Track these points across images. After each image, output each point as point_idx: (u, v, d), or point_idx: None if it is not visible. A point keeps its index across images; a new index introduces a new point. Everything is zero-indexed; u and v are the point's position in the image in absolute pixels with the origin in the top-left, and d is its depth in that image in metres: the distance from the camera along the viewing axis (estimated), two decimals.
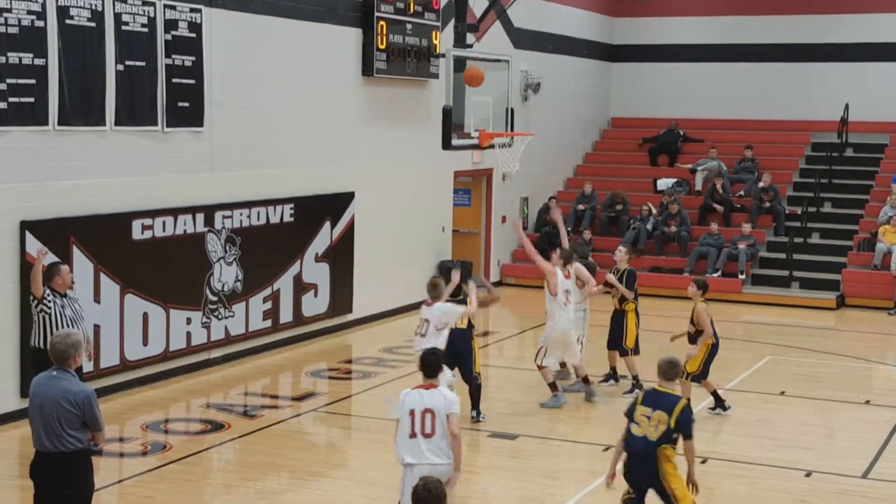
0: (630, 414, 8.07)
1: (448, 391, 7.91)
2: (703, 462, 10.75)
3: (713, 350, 12.20)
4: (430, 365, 8.00)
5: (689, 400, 8.45)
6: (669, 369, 8.19)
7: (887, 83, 23.83)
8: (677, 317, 14.15)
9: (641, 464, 8.01)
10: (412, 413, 7.70)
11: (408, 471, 7.70)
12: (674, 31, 25.57)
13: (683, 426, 7.97)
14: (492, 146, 15.71)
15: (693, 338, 12.21)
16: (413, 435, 7.66)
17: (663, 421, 7.93)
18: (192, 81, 13.55)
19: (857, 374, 15.22)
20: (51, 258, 10.97)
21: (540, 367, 12.58)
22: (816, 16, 24.42)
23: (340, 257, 16.47)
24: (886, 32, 23.94)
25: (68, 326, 10.02)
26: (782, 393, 13.62)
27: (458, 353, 11.56)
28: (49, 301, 10.21)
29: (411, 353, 15.30)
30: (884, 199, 21.30)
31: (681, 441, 8.03)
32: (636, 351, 13.16)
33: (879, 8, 23.98)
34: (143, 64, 12.87)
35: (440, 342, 10.99)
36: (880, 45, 23.98)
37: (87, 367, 11.44)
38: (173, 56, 13.24)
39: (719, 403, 12.38)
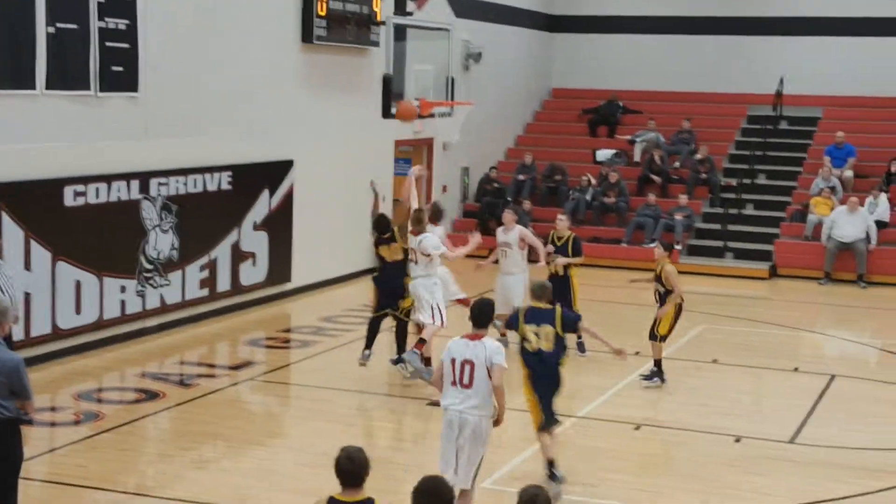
0: (516, 330, 9.15)
1: (492, 342, 7.89)
2: (637, 429, 10.92)
3: (680, 310, 12.46)
4: (481, 315, 8.00)
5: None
6: (541, 291, 9.29)
7: (821, 57, 24.16)
8: (614, 287, 14.31)
9: (545, 375, 9.10)
10: (453, 361, 7.78)
11: (446, 415, 7.90)
12: (615, 2, 25.67)
13: (568, 322, 9.18)
14: (432, 115, 15.70)
15: (663, 298, 12.42)
16: (454, 383, 7.80)
17: (550, 333, 8.97)
18: (126, 45, 13.33)
19: (787, 342, 15.52)
20: None
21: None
22: None
23: (279, 226, 16.37)
24: (821, 7, 24.25)
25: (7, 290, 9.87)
26: (715, 361, 13.84)
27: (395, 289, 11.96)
28: None
29: (350, 321, 15.33)
30: (816, 171, 21.64)
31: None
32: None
33: None
34: (76, 26, 12.62)
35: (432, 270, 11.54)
36: (816, 20, 24.29)
37: (18, 335, 11.27)
38: (107, 19, 13.00)
39: (658, 374, 12.54)
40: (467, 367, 7.74)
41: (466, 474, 7.85)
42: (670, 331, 12.55)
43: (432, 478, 5.29)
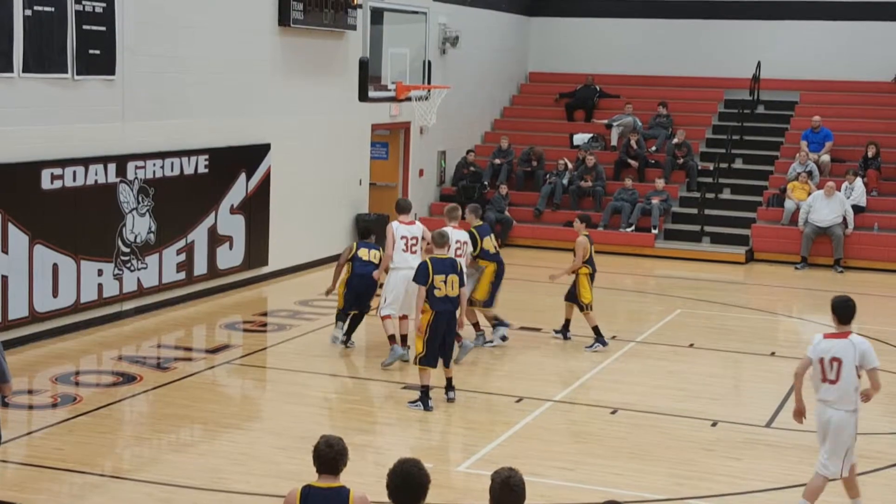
0: (428, 283, 10.58)
1: (859, 339, 8.27)
2: (614, 413, 10.99)
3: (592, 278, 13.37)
4: (845, 311, 8.32)
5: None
6: (441, 239, 10.99)
7: (798, 41, 24.27)
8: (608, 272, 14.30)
9: (449, 317, 10.69)
10: (821, 360, 8.17)
11: (819, 406, 8.27)
12: None
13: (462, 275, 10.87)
14: (409, 99, 15.66)
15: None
16: (823, 380, 8.18)
17: (455, 281, 10.68)
18: (103, 28, 13.24)
19: (764, 326, 15.62)
20: None
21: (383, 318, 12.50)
22: None
23: (256, 209, 16.33)
24: None
25: None
26: (691, 345, 13.92)
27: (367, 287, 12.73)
28: None
29: (327, 306, 15.32)
30: (793, 155, 21.75)
31: None
32: (489, 303, 13.23)
33: None
34: (52, 9, 12.53)
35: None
36: (792, 4, 24.38)
37: None
38: (84, 2, 12.92)
39: (599, 339, 13.23)
40: (835, 364, 8.12)
41: (836, 465, 8.24)
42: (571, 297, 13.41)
43: (407, 460, 5.29)
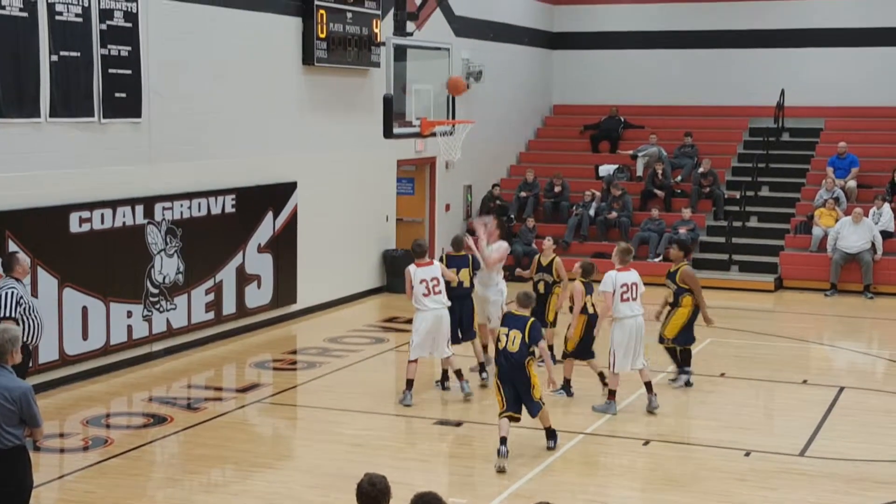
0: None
1: None
2: (646, 444, 10.90)
3: (695, 314, 12.92)
4: None
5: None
6: (525, 299, 10.59)
7: (821, 68, 24.22)
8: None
9: (512, 370, 10.31)
10: None
11: None
12: (613, 18, 25.74)
13: (534, 335, 10.25)
14: (433, 134, 15.73)
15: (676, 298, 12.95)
16: None
17: (518, 336, 10.26)
18: (128, 72, 13.40)
19: (794, 354, 15.49)
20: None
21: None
22: (751, 3, 24.72)
23: (283, 248, 16.40)
24: (820, 18, 24.31)
25: (34, 312, 10.33)
26: (722, 374, 13.81)
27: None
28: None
29: (356, 342, 15.33)
30: (819, 182, 21.65)
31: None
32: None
33: None
34: (79, 54, 12.69)
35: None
36: (814, 31, 24.35)
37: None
38: (109, 46, 13.07)
39: (685, 372, 13.04)
40: None
41: None
42: (680, 333, 12.84)
43: (426, 493, 5.33)
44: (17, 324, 10.06)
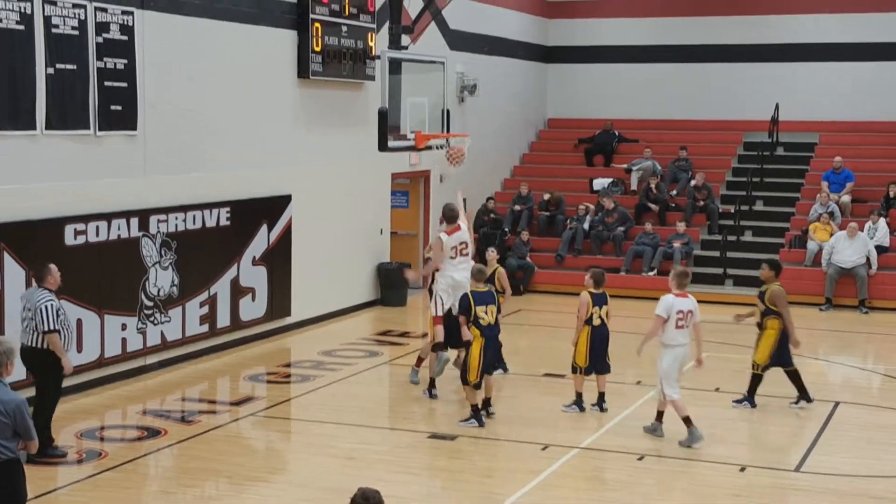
0: (471, 314, 11.64)
1: None
2: (641, 459, 10.88)
3: (784, 336, 12.82)
4: None
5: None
6: (480, 274, 11.85)
7: (815, 83, 24.31)
8: (615, 316, 14.22)
9: (494, 343, 12.02)
10: None
11: None
12: (607, 32, 25.82)
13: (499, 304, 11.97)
14: (428, 147, 15.75)
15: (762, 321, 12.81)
16: None
17: (493, 309, 11.79)
18: (124, 84, 13.40)
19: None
20: None
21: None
22: (745, 17, 24.82)
23: (278, 260, 16.38)
24: (813, 33, 24.42)
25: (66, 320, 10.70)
26: (717, 389, 13.80)
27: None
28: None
29: (350, 355, 15.31)
30: (814, 196, 21.70)
31: None
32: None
33: (806, 9, 24.46)
34: (74, 67, 12.69)
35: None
36: (808, 46, 24.44)
37: (20, 374, 11.22)
38: (105, 59, 13.08)
39: (749, 398, 12.90)
40: None
41: None
42: (772, 357, 12.76)
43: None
44: (59, 334, 10.47)
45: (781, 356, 12.83)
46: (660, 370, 11.50)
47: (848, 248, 19.77)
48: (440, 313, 12.85)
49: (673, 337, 11.37)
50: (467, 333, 11.75)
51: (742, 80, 24.77)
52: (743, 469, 10.60)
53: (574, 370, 12.57)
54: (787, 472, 10.58)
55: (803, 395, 12.90)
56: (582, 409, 12.51)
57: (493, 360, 12.22)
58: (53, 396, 10.77)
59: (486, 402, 12.19)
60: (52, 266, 10.84)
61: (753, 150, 23.90)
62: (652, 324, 11.44)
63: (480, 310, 11.73)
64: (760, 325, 12.84)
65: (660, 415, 11.61)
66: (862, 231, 20.07)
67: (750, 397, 12.90)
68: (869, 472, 10.64)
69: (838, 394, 13.92)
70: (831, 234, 20.25)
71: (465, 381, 11.88)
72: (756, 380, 12.91)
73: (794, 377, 12.91)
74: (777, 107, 23.55)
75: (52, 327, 10.40)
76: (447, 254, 12.80)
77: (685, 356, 11.51)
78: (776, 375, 14.69)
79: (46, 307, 10.43)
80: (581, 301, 12.39)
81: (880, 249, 20.08)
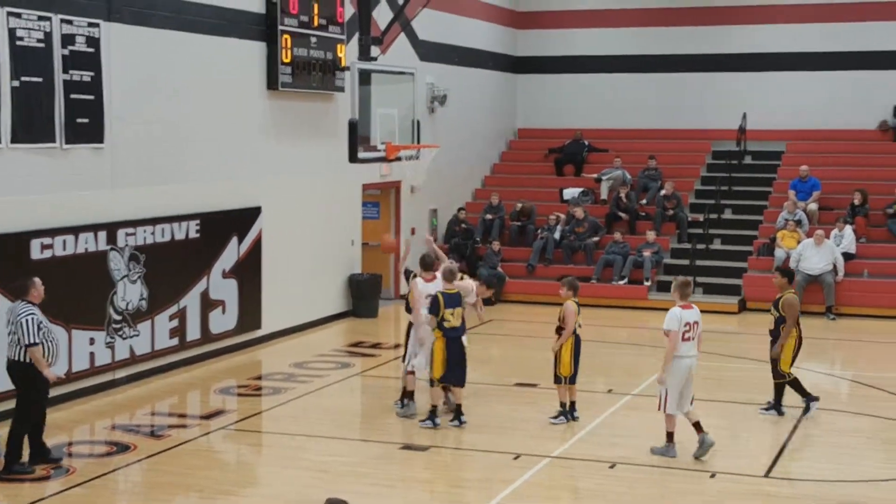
0: (439, 315, 11.96)
1: None
2: (612, 467, 10.90)
3: (800, 342, 12.83)
4: None
5: None
6: (451, 275, 12.20)
7: (783, 92, 24.52)
8: (585, 325, 14.26)
9: (457, 343, 12.17)
10: None
11: None
12: (576, 43, 25.93)
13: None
14: (398, 159, 15.75)
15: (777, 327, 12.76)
16: None
17: (460, 312, 12.13)
18: (91, 97, 13.32)
19: (758, 375, 15.51)
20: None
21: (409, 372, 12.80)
22: (713, 27, 25.01)
23: (248, 273, 16.31)
24: (780, 42, 24.63)
25: (50, 334, 10.63)
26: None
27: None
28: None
29: (321, 367, 15.26)
30: (781, 204, 21.86)
31: None
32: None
33: (772, 20, 24.67)
34: (40, 80, 12.60)
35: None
36: (776, 55, 24.65)
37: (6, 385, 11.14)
38: (71, 71, 13.00)
39: (776, 406, 12.91)
40: None
41: None
42: (791, 364, 12.78)
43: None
44: (42, 347, 10.43)
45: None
46: (665, 383, 11.19)
47: (815, 255, 19.92)
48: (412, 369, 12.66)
49: (679, 349, 11.13)
50: (431, 335, 12.16)
51: (710, 90, 24.95)
52: (713, 476, 10.65)
53: (558, 380, 12.46)
54: (757, 479, 10.63)
55: (810, 400, 12.89)
56: (568, 419, 12.44)
57: (460, 362, 12.27)
58: (38, 409, 10.68)
59: (458, 410, 12.28)
60: (37, 279, 10.81)
61: (722, 159, 24.08)
62: (668, 343, 11.07)
63: (448, 312, 12.00)
64: (775, 333, 12.81)
65: (670, 435, 11.26)
66: (828, 238, 20.23)
67: (778, 405, 12.89)
68: (837, 477, 10.71)
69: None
70: (799, 242, 20.40)
71: (430, 381, 12.30)
72: (782, 388, 12.89)
73: (795, 384, 12.92)
74: (744, 116, 23.74)
75: (32, 340, 10.39)
76: (421, 301, 12.37)
77: (692, 368, 11.23)
78: (747, 381, 14.77)
79: (28, 321, 10.42)
80: (569, 311, 12.25)
81: (847, 256, 20.25)
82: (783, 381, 12.84)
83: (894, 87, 23.75)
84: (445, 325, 12.04)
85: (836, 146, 23.98)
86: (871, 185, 22.11)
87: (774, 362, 12.84)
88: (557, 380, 12.47)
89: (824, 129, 24.20)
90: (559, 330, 12.39)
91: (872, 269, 20.48)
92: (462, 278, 12.97)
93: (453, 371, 12.18)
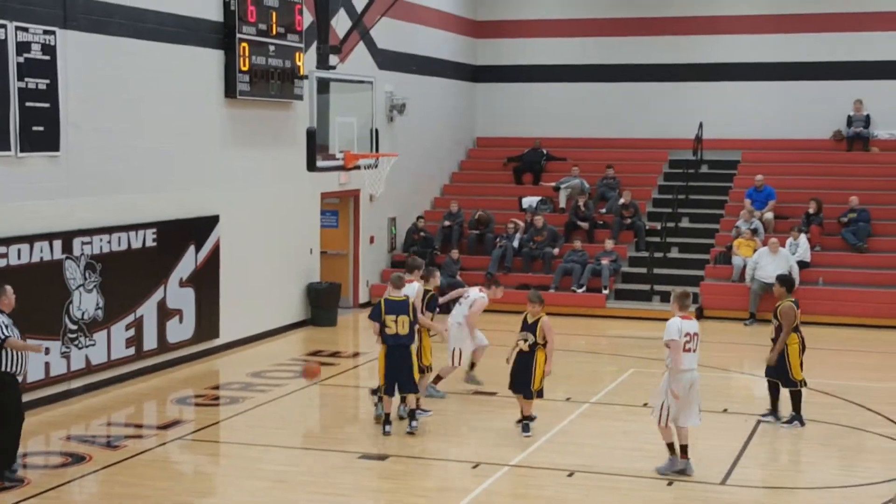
0: (379, 320, 12.01)
1: None
2: (571, 475, 10.94)
3: (803, 348, 12.80)
4: None
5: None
6: (399, 281, 12.23)
7: (738, 101, 24.81)
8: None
9: (399, 350, 12.03)
10: None
11: None
12: (534, 52, 26.06)
13: (415, 314, 12.24)
14: (357, 167, 15.75)
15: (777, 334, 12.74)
16: None
17: (405, 320, 11.95)
18: (46, 105, 13.20)
19: (715, 383, 15.67)
20: None
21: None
22: (670, 37, 25.23)
23: (206, 282, 16.22)
24: (737, 52, 24.91)
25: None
26: (645, 405, 13.91)
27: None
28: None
29: (280, 376, 15.19)
30: (737, 213, 22.07)
31: None
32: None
33: (729, 30, 24.94)
34: None
35: None
36: (731, 65, 24.92)
37: None
38: (26, 79, 12.87)
39: (797, 417, 12.84)
40: None
41: None
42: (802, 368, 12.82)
43: None
44: (7, 355, 10.31)
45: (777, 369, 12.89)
46: (663, 396, 10.97)
47: (770, 263, 20.12)
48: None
49: (681, 362, 10.95)
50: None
51: (667, 100, 25.18)
52: (670, 483, 10.72)
53: (540, 394, 12.27)
54: (714, 486, 10.71)
55: (797, 416, 12.92)
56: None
57: (403, 369, 12.12)
58: (14, 418, 10.58)
59: (412, 415, 12.34)
60: (8, 287, 10.70)
61: (679, 168, 24.28)
62: (671, 354, 10.89)
63: (390, 318, 12.01)
64: (775, 340, 12.84)
65: (671, 447, 11.03)
66: (784, 247, 20.45)
67: (798, 415, 12.85)
68: (793, 484, 10.82)
69: (763, 408, 14.11)
70: (755, 251, 20.60)
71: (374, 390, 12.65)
72: (798, 396, 12.86)
73: (796, 396, 12.90)
74: (701, 125, 23.97)
75: (5, 334, 10.31)
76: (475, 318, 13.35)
77: (694, 381, 11.05)
78: (704, 389, 14.87)
79: None
80: (547, 325, 12.07)
81: (802, 265, 20.47)
82: (797, 388, 12.81)
83: (849, 97, 24.07)
84: (387, 331, 12.05)
85: (792, 156, 24.27)
86: (826, 195, 22.38)
87: (778, 371, 12.79)
88: (540, 393, 12.23)
89: (780, 138, 24.49)
90: (535, 345, 12.06)
91: (827, 278, 20.73)
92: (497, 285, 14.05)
93: (398, 379, 12.14)
